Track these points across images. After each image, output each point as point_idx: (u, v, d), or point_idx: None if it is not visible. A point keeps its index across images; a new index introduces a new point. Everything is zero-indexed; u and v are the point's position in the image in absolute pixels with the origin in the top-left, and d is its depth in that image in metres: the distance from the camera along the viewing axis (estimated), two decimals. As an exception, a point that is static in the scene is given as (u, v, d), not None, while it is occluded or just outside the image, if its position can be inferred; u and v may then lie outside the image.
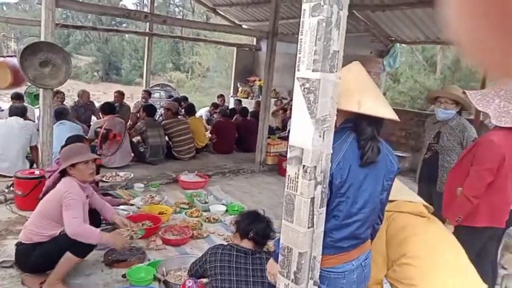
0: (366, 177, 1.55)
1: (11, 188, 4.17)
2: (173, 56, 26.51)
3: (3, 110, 6.34)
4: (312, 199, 1.37)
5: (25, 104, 5.76)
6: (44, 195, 2.95)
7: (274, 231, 2.42)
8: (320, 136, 1.33)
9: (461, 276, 1.79)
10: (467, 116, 4.10)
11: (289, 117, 7.05)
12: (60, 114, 5.07)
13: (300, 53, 1.27)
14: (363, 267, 1.71)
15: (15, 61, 4.78)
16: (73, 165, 2.73)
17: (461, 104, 3.20)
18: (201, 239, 3.71)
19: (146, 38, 9.59)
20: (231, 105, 9.98)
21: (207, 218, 4.18)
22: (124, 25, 23.39)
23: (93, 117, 7.20)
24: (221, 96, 9.83)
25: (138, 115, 6.90)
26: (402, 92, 13.68)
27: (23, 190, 3.95)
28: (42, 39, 4.16)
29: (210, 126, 7.85)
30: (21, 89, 6.33)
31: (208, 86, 20.25)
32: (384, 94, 12.74)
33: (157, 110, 9.34)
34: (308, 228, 1.38)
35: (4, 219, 3.77)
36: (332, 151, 1.41)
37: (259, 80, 10.00)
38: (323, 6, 1.16)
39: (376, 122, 1.56)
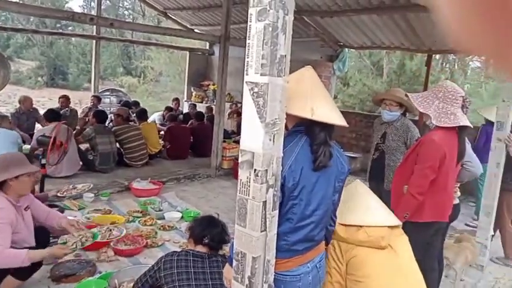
0: (318, 179, 1.58)
1: None
2: (124, 60, 25.76)
3: None
4: (264, 203, 1.37)
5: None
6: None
7: (229, 236, 2.39)
8: (270, 140, 1.33)
9: None
10: (412, 117, 4.31)
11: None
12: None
13: (248, 57, 1.28)
14: (318, 269, 1.74)
15: None
16: (14, 177, 2.54)
17: (404, 106, 3.37)
18: (156, 247, 3.62)
19: (94, 41, 9.24)
20: (185, 110, 9.85)
21: (162, 226, 4.08)
22: (70, 28, 22.40)
23: (37, 125, 6.80)
24: (176, 99, 9.68)
25: (87, 119, 6.60)
26: (352, 95, 14.18)
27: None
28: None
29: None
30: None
31: (161, 91, 19.87)
32: (335, 97, 13.16)
33: (107, 116, 9.01)
34: (261, 232, 1.38)
35: None
36: (283, 154, 1.42)
37: (213, 84, 9.96)
38: (268, 11, 1.17)
39: (328, 126, 1.60)
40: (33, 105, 6.90)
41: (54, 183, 4.66)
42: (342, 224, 1.97)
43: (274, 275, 1.53)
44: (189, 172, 6.25)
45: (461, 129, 2.44)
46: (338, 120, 1.59)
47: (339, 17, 7.07)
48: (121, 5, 27.57)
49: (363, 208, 2.06)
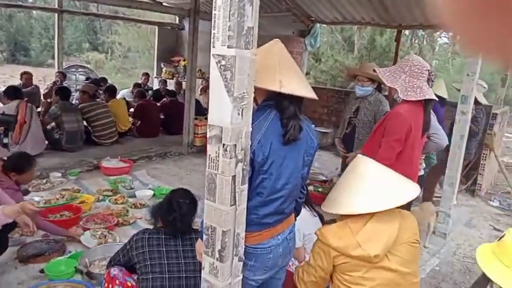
0: (287, 153, 1.59)
1: None
2: (90, 36, 24.70)
3: None
4: (234, 177, 1.37)
5: None
6: None
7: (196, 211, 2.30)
8: (239, 114, 1.32)
9: None
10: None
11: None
12: None
13: (214, 29, 1.24)
14: (288, 241, 1.77)
15: None
16: None
17: (377, 81, 3.41)
18: (127, 225, 3.59)
19: (56, 15, 8.78)
20: (155, 86, 9.62)
21: (133, 204, 4.04)
22: (30, 0, 21.16)
23: (-3, 103, 6.48)
24: (146, 74, 9.42)
25: (49, 101, 6.35)
26: (324, 71, 14.25)
27: None
28: None
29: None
30: None
31: (130, 67, 19.29)
32: (308, 74, 13.17)
33: (73, 94, 8.70)
34: (231, 206, 1.39)
35: None
36: (252, 129, 1.41)
37: (184, 60, 9.74)
38: (234, -20, 1.14)
39: (297, 100, 1.59)
40: (-7, 83, 6.55)
41: (19, 164, 4.49)
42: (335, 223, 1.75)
43: (246, 248, 1.55)
44: (160, 150, 6.17)
45: (426, 102, 2.50)
46: (307, 92, 1.58)
47: (310, -9, 7.00)
48: (84, -24, 26.22)
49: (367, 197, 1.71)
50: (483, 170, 5.64)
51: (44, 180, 4.42)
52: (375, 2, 6.70)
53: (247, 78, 1.30)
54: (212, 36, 1.26)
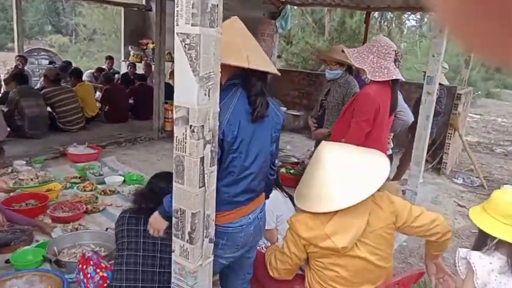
0: (255, 131, 1.59)
1: None
2: (53, 18, 23.61)
3: None
4: (202, 159, 1.35)
5: None
6: None
7: None
8: (206, 94, 1.30)
9: None
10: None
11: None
12: None
13: (177, 7, 1.20)
14: (259, 219, 1.79)
15: None
16: None
17: (346, 63, 3.43)
18: (97, 212, 3.51)
19: (14, -6, 8.30)
20: (124, 70, 9.34)
21: (103, 191, 3.95)
22: (-16, -21, 19.91)
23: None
24: (109, 58, 9.10)
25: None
26: (295, 54, 14.23)
27: None
28: None
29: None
30: None
31: (96, 50, 18.62)
32: (279, 56, 13.14)
33: (35, 78, 8.37)
34: (199, 188, 1.37)
35: None
36: (219, 109, 1.39)
37: (152, 43, 9.47)
38: (197, -46, 1.10)
39: (262, 77, 1.59)
40: None
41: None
42: (304, 213, 1.72)
43: (217, 227, 1.54)
44: (130, 135, 6.03)
45: (393, 83, 2.55)
46: (272, 69, 1.59)
47: (280, -28, 6.91)
48: (44, -46, 24.86)
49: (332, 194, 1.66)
50: (448, 149, 5.85)
51: (10, 169, 4.24)
52: (344, -17, 6.70)
53: (213, 57, 1.28)
54: (175, 14, 1.22)
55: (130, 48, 10.17)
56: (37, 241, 2.90)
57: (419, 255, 3.38)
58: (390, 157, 3.05)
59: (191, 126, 1.31)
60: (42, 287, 2.25)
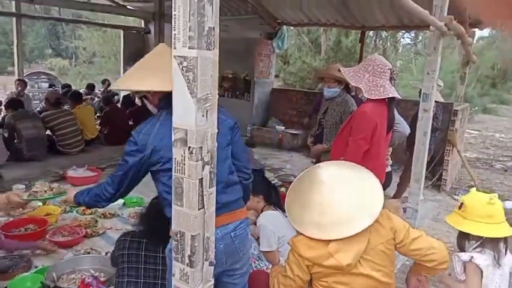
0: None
1: None
2: (53, 41, 23.95)
3: None
4: (201, 180, 1.35)
5: None
6: None
7: None
8: (203, 115, 1.30)
9: None
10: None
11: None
12: None
13: (174, 30, 1.22)
14: (232, 238, 1.71)
15: None
16: None
17: (344, 82, 3.47)
18: (97, 236, 3.48)
19: (14, 19, 8.43)
20: (124, 92, 9.40)
21: (102, 214, 3.92)
22: (-14, 5, 20.28)
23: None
24: (106, 81, 9.19)
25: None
26: (293, 73, 14.41)
27: None
28: None
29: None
30: None
31: (95, 73, 18.81)
32: (277, 76, 13.29)
33: (35, 101, 8.42)
34: (199, 210, 1.36)
35: None
36: (217, 130, 1.40)
37: (151, 65, 9.58)
38: (193, -20, 1.12)
39: None
40: None
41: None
42: (303, 235, 1.71)
43: None
44: (130, 157, 6.02)
45: (390, 100, 2.57)
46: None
47: (276, -6, 7.07)
48: (44, -20, 25.38)
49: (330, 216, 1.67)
50: (447, 165, 5.85)
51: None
52: (338, 4, 6.84)
53: (211, 79, 1.29)
54: (173, 37, 1.24)
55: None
56: (36, 267, 2.85)
57: (422, 273, 3.34)
58: (390, 174, 3.05)
59: (189, 147, 1.31)
60: (40, 314, 2.21)
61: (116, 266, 2.18)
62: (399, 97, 2.64)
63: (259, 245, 2.73)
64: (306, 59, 14.65)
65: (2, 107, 7.00)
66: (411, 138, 3.75)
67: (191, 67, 1.22)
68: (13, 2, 8.12)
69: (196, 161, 1.32)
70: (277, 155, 7.56)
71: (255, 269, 2.66)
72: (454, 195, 5.72)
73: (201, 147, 1.32)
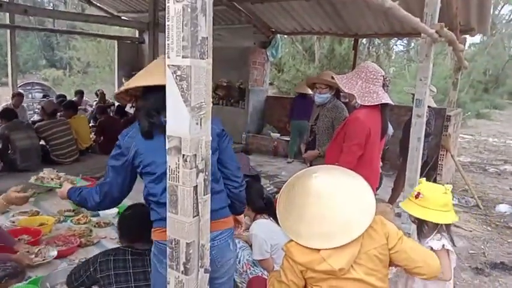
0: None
1: None
2: (47, 52, 23.92)
3: None
4: (195, 187, 1.36)
5: None
6: None
7: None
8: (197, 123, 1.32)
9: None
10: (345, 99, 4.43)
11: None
12: None
13: (168, 40, 1.24)
14: (209, 248, 1.72)
15: None
16: None
17: (334, 88, 3.50)
18: (91, 246, 3.46)
19: (8, 31, 8.44)
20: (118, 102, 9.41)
21: (97, 223, 3.90)
22: (-21, 17, 20.26)
23: None
24: (100, 92, 9.19)
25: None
26: (287, 81, 14.49)
27: None
28: None
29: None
30: None
31: (90, 83, 18.76)
32: (271, 83, 13.36)
33: (30, 112, 8.41)
34: (193, 217, 1.37)
35: None
36: (210, 138, 1.41)
37: (146, 74, 9.60)
38: (186, -9, 1.14)
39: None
40: None
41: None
42: (296, 243, 1.70)
43: (160, 245, 1.66)
44: (124, 166, 6.01)
45: (383, 107, 2.60)
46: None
47: (269, 3, 7.14)
48: (39, -9, 25.45)
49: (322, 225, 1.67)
50: (441, 170, 5.89)
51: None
52: (331, 12, 6.92)
53: (204, 87, 1.30)
54: (166, 47, 1.25)
55: (123, 80, 10.28)
56: (29, 277, 2.83)
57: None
58: (380, 175, 3.07)
59: (183, 155, 1.32)
60: (35, 325, 2.18)
61: (94, 284, 2.10)
62: (392, 103, 2.66)
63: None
64: (300, 67, 14.75)
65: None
66: (404, 143, 3.78)
67: (185, 76, 1.24)
68: (7, 14, 8.14)
69: (191, 169, 1.32)
70: (273, 162, 7.58)
71: (250, 275, 2.67)
72: (449, 200, 5.75)
73: (195, 155, 1.33)
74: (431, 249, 1.93)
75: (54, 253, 3.07)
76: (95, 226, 3.85)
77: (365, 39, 13.77)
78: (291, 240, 1.72)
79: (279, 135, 8.32)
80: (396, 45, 20.35)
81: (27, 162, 5.27)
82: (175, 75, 1.27)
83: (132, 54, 10.41)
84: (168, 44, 1.25)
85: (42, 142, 5.68)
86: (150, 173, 1.73)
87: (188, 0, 1.18)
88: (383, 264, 1.72)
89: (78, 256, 3.23)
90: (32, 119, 7.59)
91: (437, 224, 2.00)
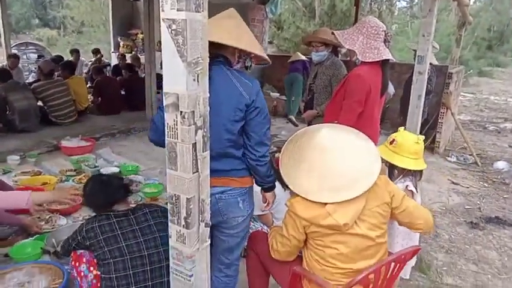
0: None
1: None
2: (39, 11, 23.21)
3: None
4: (194, 144, 1.36)
5: None
6: None
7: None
8: (194, 80, 1.30)
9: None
10: (345, 58, 4.32)
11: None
12: None
13: (162, -9, 1.19)
14: (217, 199, 1.83)
15: None
16: None
17: (331, 45, 3.43)
18: (94, 204, 3.52)
19: (-2, -12, 8.14)
20: (114, 61, 9.27)
21: (99, 182, 3.95)
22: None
23: None
24: (97, 51, 9.01)
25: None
26: (287, 39, 14.17)
27: None
28: None
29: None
30: None
31: (85, 43, 18.36)
32: (271, 42, 13.06)
33: (26, 73, 8.31)
34: (193, 173, 1.38)
35: None
36: (208, 94, 1.39)
37: (142, 33, 9.38)
38: None
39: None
40: None
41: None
42: (300, 197, 1.71)
43: None
44: (124, 126, 6.02)
45: (384, 63, 2.55)
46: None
47: (267, -44, 6.83)
48: None
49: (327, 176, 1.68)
50: (441, 128, 5.89)
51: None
52: (333, -35, 6.63)
53: (201, 42, 1.27)
54: (161, 0, 1.21)
55: (119, 39, 10.08)
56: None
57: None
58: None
59: (181, 112, 1.31)
60: (43, 278, 2.27)
61: (67, 255, 2.17)
62: (394, 59, 2.61)
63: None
64: (300, 24, 14.37)
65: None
66: (405, 101, 3.75)
67: (180, 30, 1.21)
68: (-5, -31, 7.81)
69: (189, 126, 1.32)
70: (272, 122, 7.54)
71: (250, 230, 2.75)
72: (447, 157, 5.80)
73: (193, 112, 1.32)
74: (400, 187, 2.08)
75: (64, 222, 3.12)
76: (97, 185, 3.89)
77: (367, -6, 13.31)
78: (296, 196, 1.74)
79: (278, 94, 8.25)
80: (399, 1, 19.75)
81: (26, 123, 5.27)
82: (170, 29, 1.23)
83: (127, 11, 10.12)
84: (162, -5, 1.20)
85: (40, 103, 5.64)
86: None
87: None
88: (384, 221, 1.77)
89: (82, 214, 3.30)
90: (27, 80, 7.49)
91: (404, 169, 2.17)
